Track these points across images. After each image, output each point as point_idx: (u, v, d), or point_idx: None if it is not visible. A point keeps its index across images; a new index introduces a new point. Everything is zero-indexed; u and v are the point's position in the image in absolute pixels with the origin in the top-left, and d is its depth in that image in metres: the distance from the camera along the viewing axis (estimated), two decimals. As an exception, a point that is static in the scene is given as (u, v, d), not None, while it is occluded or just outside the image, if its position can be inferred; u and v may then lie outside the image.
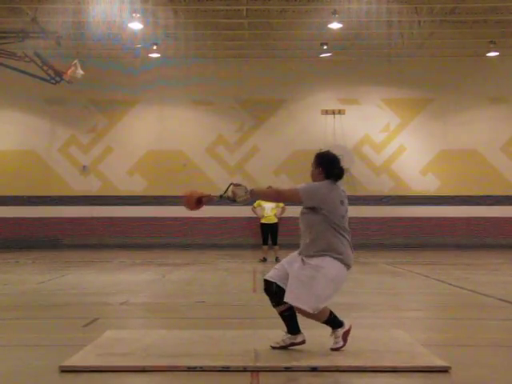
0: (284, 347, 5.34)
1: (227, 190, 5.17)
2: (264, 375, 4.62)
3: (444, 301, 9.11)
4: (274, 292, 5.30)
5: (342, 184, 5.43)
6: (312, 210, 5.23)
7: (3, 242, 22.81)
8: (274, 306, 5.38)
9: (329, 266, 5.14)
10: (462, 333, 6.45)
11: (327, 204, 5.18)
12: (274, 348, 5.35)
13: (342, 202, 5.27)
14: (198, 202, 5.36)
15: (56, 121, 24.30)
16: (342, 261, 5.18)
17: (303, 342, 5.35)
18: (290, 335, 5.36)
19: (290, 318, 5.32)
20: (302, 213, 5.34)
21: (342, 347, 5.27)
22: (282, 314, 5.34)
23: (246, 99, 24.17)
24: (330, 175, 5.31)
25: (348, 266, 5.26)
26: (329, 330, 5.36)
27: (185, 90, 23.91)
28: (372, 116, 24.12)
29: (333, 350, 5.26)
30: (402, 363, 4.83)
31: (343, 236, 5.22)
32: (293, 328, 5.35)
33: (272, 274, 5.36)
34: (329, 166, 5.33)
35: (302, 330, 5.38)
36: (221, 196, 5.21)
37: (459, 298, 9.28)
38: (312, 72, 23.91)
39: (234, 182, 5.24)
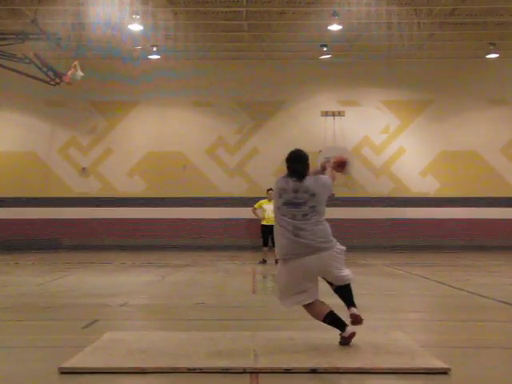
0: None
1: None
2: (264, 377, 4.62)
3: (444, 302, 9.10)
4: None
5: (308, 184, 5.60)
6: None
7: (3, 244, 22.78)
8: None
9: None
10: (461, 334, 6.45)
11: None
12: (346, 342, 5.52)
13: (279, 195, 5.54)
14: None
15: (56, 122, 24.31)
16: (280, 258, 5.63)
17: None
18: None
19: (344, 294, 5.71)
20: None
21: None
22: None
23: (246, 101, 24.18)
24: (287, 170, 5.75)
25: (283, 258, 5.53)
26: (329, 330, 5.37)
27: (185, 91, 23.92)
28: (372, 117, 24.13)
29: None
30: (401, 365, 4.83)
31: (277, 224, 5.58)
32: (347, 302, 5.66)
33: None
34: (287, 162, 5.77)
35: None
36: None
37: (459, 299, 9.28)
38: (312, 73, 23.93)
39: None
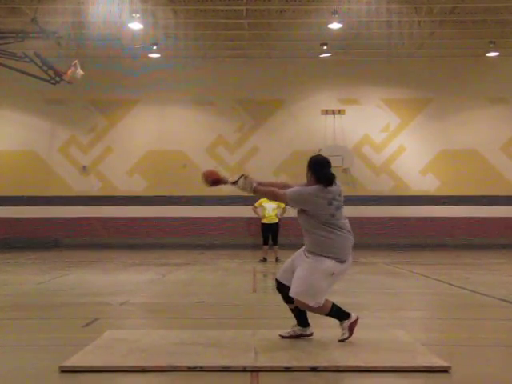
0: (293, 337, 5.68)
1: (238, 179, 5.60)
2: (264, 375, 4.62)
3: (444, 301, 9.10)
4: (282, 290, 5.70)
5: (340, 184, 5.73)
6: (302, 210, 5.60)
7: (3, 242, 22.80)
8: (285, 303, 5.75)
9: (320, 262, 5.45)
10: (462, 333, 6.45)
11: (312, 207, 5.50)
12: (283, 337, 5.68)
13: (329, 203, 5.49)
14: (214, 182, 5.80)
15: (56, 121, 24.31)
16: (332, 257, 5.45)
17: (311, 334, 5.72)
18: (300, 327, 5.71)
19: (299, 312, 5.69)
20: (298, 212, 5.68)
21: (347, 338, 5.54)
22: (292, 310, 5.72)
23: (246, 99, 24.18)
24: (319, 179, 5.54)
25: (340, 261, 5.49)
26: (329, 328, 5.38)
27: (185, 90, 23.92)
28: (372, 116, 24.12)
29: (340, 341, 5.53)
30: (402, 363, 4.83)
31: (333, 233, 5.47)
32: (302, 322, 5.72)
33: (280, 274, 5.78)
34: (317, 169, 5.60)
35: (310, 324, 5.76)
36: (232, 182, 5.67)
37: (459, 297, 9.28)
38: (312, 72, 23.93)
39: (245, 174, 5.65)
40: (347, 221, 5.63)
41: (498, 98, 24.13)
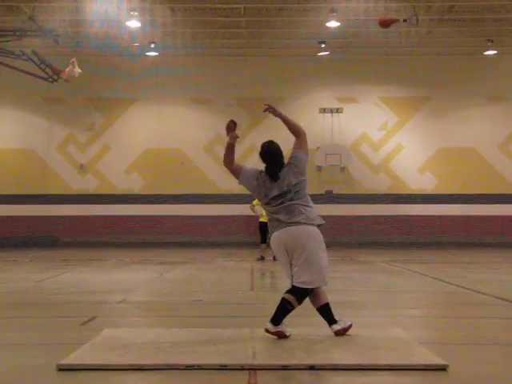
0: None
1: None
2: (261, 373, 4.62)
3: (442, 299, 9.12)
4: None
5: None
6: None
7: (1, 241, 22.78)
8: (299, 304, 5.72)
9: None
10: (459, 331, 6.45)
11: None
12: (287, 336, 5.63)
13: (258, 185, 6.07)
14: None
15: (54, 119, 24.29)
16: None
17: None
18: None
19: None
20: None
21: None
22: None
23: (244, 97, 24.16)
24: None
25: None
26: (326, 327, 5.38)
27: (182, 88, 23.90)
28: (370, 114, 24.12)
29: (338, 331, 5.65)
30: (399, 361, 4.83)
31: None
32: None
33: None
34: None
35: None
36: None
37: (457, 296, 9.29)
38: (310, 70, 23.92)
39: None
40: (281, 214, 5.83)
41: (495, 96, 24.15)
